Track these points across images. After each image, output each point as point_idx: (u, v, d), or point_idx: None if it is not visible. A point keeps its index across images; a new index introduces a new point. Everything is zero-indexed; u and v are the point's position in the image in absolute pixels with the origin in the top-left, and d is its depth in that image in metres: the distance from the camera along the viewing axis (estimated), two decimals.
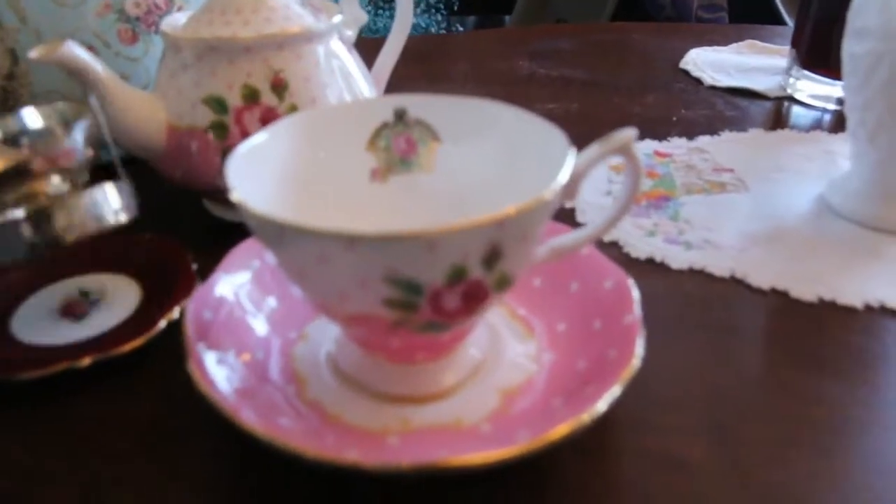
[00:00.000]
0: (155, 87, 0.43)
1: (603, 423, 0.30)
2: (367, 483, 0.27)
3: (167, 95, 0.41)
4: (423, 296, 0.24)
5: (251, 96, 0.39)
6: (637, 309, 0.30)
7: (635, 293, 0.31)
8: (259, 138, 0.30)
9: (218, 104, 0.39)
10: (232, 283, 0.33)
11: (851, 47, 0.42)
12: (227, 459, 0.29)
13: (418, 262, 0.23)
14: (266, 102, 0.40)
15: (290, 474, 0.28)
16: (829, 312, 0.37)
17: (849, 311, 0.37)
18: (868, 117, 0.42)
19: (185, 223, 0.45)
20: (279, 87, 0.40)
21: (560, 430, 0.24)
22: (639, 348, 0.28)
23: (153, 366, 0.33)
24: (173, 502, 0.27)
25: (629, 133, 0.28)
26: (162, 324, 0.34)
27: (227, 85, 0.39)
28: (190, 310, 0.31)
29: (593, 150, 0.28)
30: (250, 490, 0.28)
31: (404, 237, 0.22)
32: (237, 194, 0.25)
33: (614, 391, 0.26)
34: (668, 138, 0.55)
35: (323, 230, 0.23)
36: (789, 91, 0.64)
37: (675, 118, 0.59)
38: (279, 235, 0.25)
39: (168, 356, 0.32)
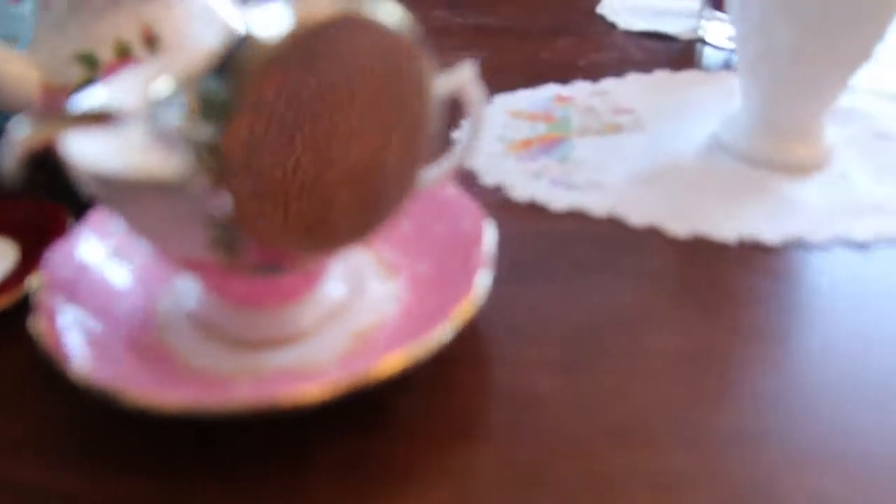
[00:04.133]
0: (29, 45, 0.42)
1: (454, 359, 0.30)
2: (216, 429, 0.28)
3: (41, 53, 0.40)
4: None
5: (123, 52, 0.39)
6: (486, 245, 0.31)
7: (488, 230, 0.32)
8: (99, 92, 0.30)
9: (89, 61, 0.39)
10: (97, 239, 0.33)
11: None
12: (85, 413, 0.29)
13: None
14: (138, 58, 0.39)
15: (151, 430, 0.28)
16: (702, 248, 0.38)
17: (722, 246, 0.38)
18: (748, 49, 0.43)
19: (68, 188, 0.45)
20: (151, 40, 0.39)
21: (383, 366, 0.25)
22: (477, 286, 0.29)
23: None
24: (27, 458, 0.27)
25: (467, 71, 0.28)
26: (32, 282, 0.34)
27: (98, 40, 0.39)
28: (46, 265, 0.31)
29: None
30: (100, 444, 0.28)
31: None
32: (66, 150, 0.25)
33: (443, 329, 0.27)
34: (573, 82, 0.55)
35: (139, 178, 0.23)
36: (700, 33, 0.64)
37: (583, 62, 0.59)
38: (104, 187, 0.25)
39: None
